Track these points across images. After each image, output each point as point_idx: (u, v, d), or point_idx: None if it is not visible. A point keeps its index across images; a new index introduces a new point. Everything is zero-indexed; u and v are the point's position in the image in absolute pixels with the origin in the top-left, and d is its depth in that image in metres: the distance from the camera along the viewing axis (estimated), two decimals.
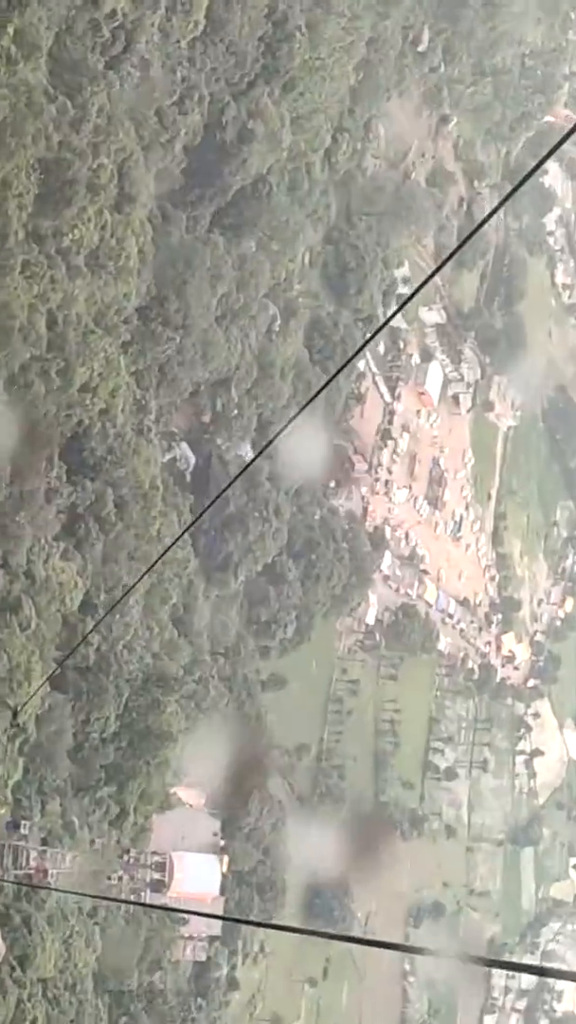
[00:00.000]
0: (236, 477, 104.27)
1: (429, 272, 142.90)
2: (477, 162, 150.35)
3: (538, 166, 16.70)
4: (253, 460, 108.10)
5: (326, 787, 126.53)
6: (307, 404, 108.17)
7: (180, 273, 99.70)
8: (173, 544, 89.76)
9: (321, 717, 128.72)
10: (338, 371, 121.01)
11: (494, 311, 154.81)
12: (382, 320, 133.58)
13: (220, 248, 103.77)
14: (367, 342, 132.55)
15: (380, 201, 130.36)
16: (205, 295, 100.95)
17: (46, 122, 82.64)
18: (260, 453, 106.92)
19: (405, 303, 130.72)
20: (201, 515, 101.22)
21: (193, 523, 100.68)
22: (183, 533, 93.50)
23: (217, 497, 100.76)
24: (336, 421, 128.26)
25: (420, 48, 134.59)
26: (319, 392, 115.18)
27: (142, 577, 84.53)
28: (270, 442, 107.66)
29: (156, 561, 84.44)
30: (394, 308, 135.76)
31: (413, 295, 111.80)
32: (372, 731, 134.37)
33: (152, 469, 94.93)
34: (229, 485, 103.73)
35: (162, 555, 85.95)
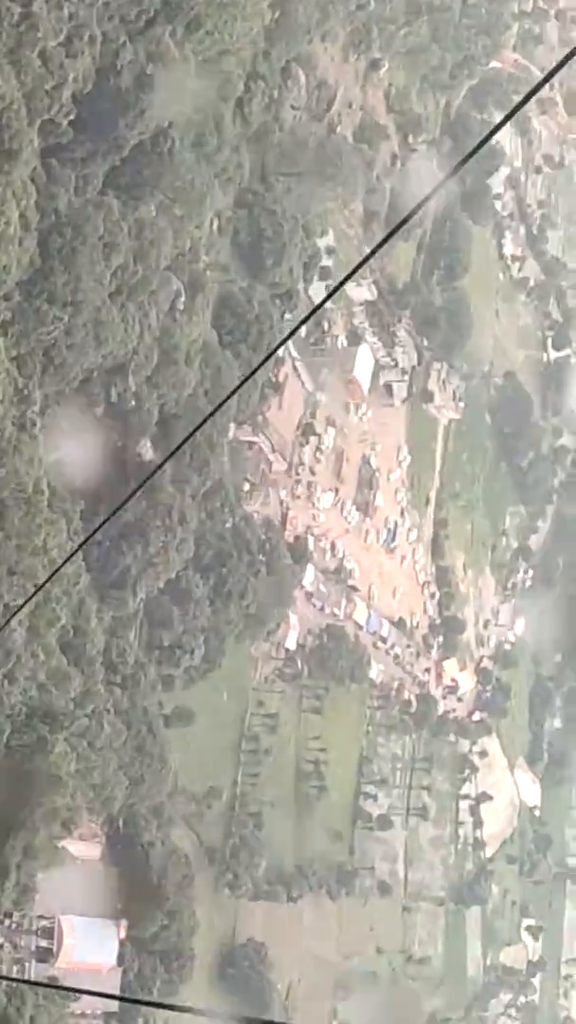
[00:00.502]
0: (138, 488, 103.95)
1: (356, 241, 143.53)
2: (412, 114, 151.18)
3: (490, 135, 16.37)
4: (159, 468, 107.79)
5: (240, 838, 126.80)
6: (220, 405, 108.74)
7: (68, 241, 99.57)
8: (66, 561, 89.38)
9: (234, 757, 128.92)
10: (257, 367, 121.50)
11: (433, 287, 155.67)
12: (303, 295, 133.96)
13: (115, 212, 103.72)
14: (294, 332, 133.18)
15: (300, 159, 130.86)
16: (97, 267, 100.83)
17: None
18: (167, 459, 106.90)
19: (337, 288, 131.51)
20: (99, 528, 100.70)
21: (89, 537, 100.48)
22: (77, 549, 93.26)
23: (117, 509, 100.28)
24: (251, 414, 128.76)
25: None
26: (235, 391, 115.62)
27: (30, 598, 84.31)
28: (178, 448, 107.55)
29: (47, 581, 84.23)
30: (316, 282, 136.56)
31: (345, 280, 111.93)
32: (293, 773, 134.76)
33: (36, 470, 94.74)
34: (131, 496, 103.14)
35: (53, 574, 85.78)
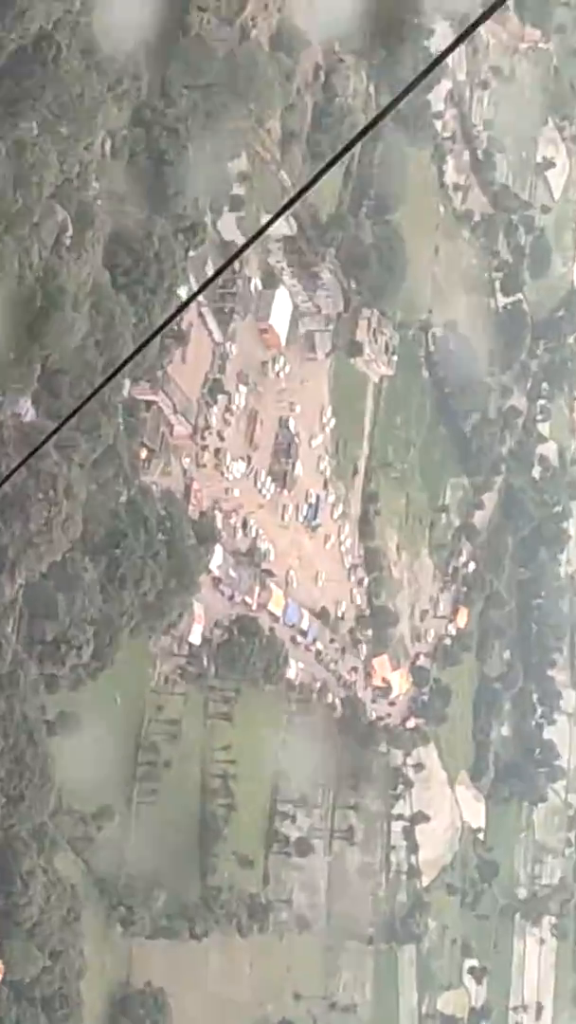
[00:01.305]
0: (24, 461, 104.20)
1: (274, 166, 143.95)
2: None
3: (439, 60, 15.42)
4: (50, 436, 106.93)
5: (136, 866, 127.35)
6: (126, 363, 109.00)
7: None
8: None
9: (129, 770, 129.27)
10: (170, 318, 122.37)
11: (362, 220, 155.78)
12: (211, 230, 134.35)
13: None
14: (203, 287, 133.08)
15: (208, 70, 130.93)
16: None
17: None
18: (59, 428, 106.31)
19: (255, 239, 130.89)
20: None
21: None
22: None
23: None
24: (148, 368, 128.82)
25: None
26: (142, 347, 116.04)
27: None
28: (70, 416, 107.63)
29: None
30: (226, 214, 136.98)
31: (263, 230, 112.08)
32: (198, 789, 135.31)
33: None
34: (15, 471, 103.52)
35: None
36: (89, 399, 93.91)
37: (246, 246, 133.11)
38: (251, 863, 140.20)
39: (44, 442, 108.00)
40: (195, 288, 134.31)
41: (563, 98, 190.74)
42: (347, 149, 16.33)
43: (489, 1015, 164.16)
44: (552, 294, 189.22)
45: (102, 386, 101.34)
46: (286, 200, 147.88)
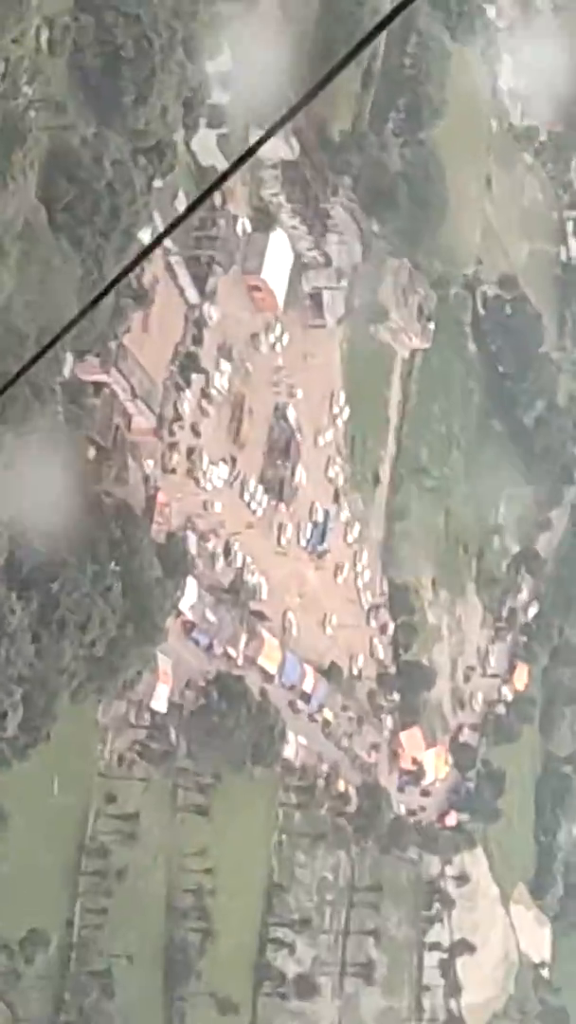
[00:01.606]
0: None
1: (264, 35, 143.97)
2: None
3: None
4: None
5: (79, 1012, 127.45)
6: (67, 330, 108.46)
7: None
8: None
9: (69, 882, 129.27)
10: (118, 277, 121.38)
11: (387, 139, 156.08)
12: (183, 151, 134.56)
13: None
14: (174, 226, 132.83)
15: None
16: None
17: None
18: None
19: (246, 157, 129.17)
20: None
21: None
22: None
23: None
24: (98, 338, 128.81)
25: None
26: (89, 308, 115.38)
27: None
28: (8, 385, 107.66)
29: None
30: (203, 130, 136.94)
31: (259, 144, 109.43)
32: (163, 907, 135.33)
33: None
34: None
35: None
36: (15, 379, 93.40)
37: (230, 171, 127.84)
38: (234, 1008, 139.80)
39: None
40: (161, 229, 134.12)
41: None
42: (367, 41, 15.96)
43: None
44: None
45: (33, 361, 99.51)
46: (285, 111, 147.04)
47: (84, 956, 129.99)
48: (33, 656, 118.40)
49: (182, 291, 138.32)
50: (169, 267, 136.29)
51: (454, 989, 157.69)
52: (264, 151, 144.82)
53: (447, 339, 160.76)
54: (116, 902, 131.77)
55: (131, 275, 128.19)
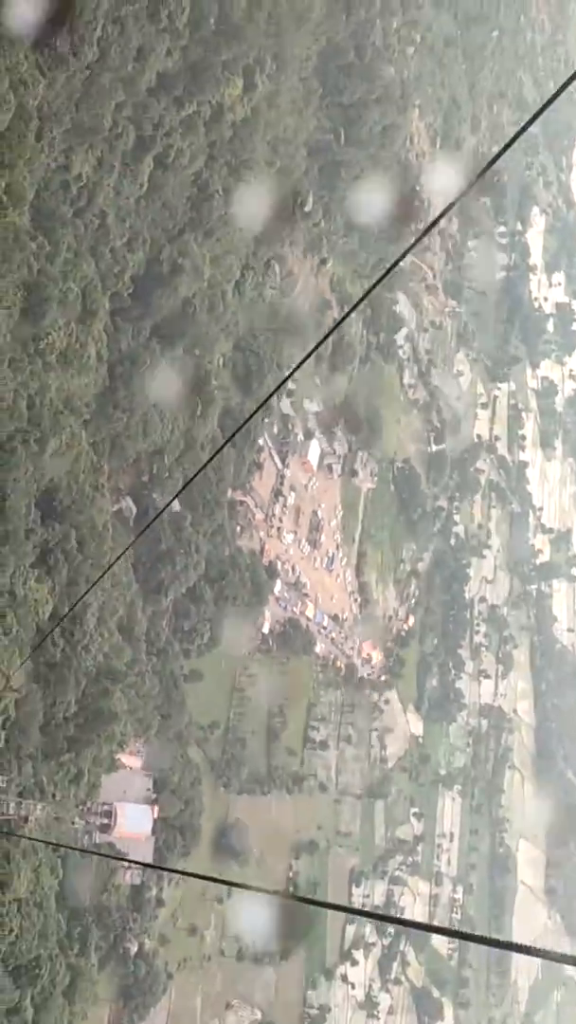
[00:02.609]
0: (156, 516, 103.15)
1: (310, 370, 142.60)
2: (347, 293, 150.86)
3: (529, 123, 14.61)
4: (168, 504, 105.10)
5: (231, 754, 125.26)
6: (207, 465, 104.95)
7: (127, 369, 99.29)
8: (112, 564, 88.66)
9: (228, 702, 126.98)
10: (234, 436, 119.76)
11: (359, 403, 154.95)
12: (276, 406, 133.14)
13: (156, 352, 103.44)
14: (310, 354, 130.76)
15: (275, 320, 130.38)
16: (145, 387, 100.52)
17: (28, 255, 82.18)
18: (173, 499, 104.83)
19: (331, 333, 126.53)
20: (133, 543, 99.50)
21: (127, 548, 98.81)
22: (120, 556, 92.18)
23: (143, 531, 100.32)
24: (242, 483, 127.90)
25: (306, 208, 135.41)
26: (215, 458, 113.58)
27: (90, 588, 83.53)
28: (185, 486, 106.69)
29: (100, 576, 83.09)
30: (286, 399, 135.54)
31: (321, 346, 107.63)
32: (265, 713, 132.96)
33: (104, 516, 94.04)
34: (152, 522, 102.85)
35: (104, 572, 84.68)
36: (187, 486, 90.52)
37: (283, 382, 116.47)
38: (294, 753, 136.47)
39: (159, 513, 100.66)
40: (267, 439, 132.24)
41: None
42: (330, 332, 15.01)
43: (424, 839, 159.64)
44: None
45: (200, 472, 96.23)
46: (317, 392, 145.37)
47: (233, 732, 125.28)
48: (214, 610, 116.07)
49: (275, 463, 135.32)
50: (270, 454, 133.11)
51: (383, 747, 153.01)
52: (309, 407, 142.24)
53: (382, 487, 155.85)
54: (247, 710, 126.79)
55: (253, 456, 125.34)
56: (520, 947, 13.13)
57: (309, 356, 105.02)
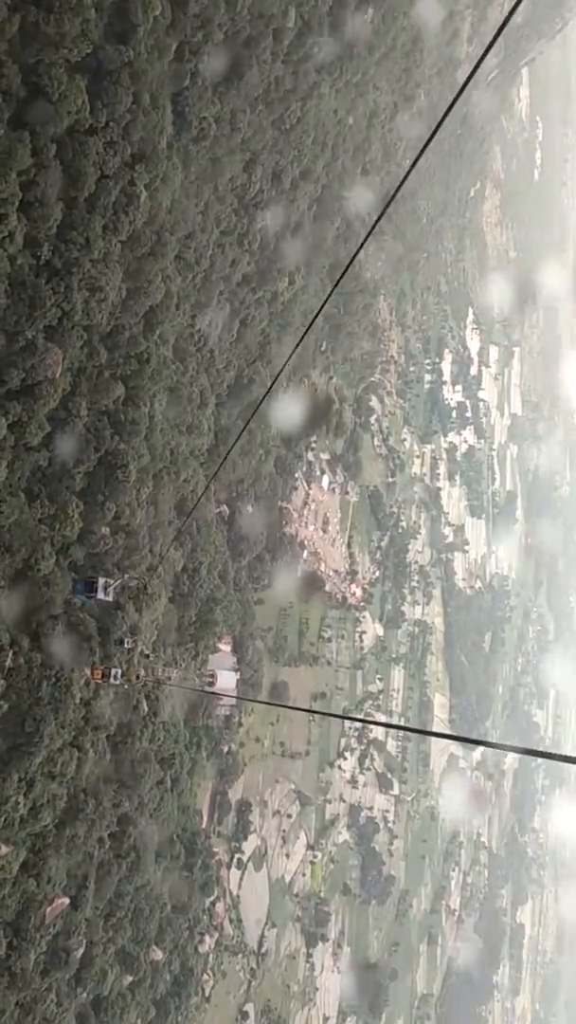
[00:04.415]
0: (204, 492, 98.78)
1: (323, 436, 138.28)
2: (343, 393, 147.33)
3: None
4: (213, 476, 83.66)
5: (278, 644, 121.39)
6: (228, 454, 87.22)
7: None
8: (191, 512, 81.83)
9: (277, 616, 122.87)
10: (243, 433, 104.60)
11: (349, 455, 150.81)
12: (304, 456, 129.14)
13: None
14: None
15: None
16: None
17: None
18: (214, 475, 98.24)
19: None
20: (193, 509, 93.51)
21: (216, 471, 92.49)
22: (204, 490, 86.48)
23: (201, 496, 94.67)
24: (286, 497, 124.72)
25: (322, 348, 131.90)
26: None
27: (187, 518, 65.62)
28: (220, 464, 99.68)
29: (193, 508, 62.69)
30: (310, 452, 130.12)
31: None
32: (298, 623, 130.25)
33: (211, 514, 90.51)
34: (204, 493, 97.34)
35: (193, 508, 63.02)
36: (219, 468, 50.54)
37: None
38: (314, 644, 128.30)
39: (207, 488, 66.35)
40: (302, 476, 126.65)
41: None
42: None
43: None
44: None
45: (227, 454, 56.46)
46: (328, 451, 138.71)
47: (278, 633, 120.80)
48: (270, 566, 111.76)
49: (305, 488, 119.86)
50: (303, 482, 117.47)
51: (362, 643, 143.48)
52: (323, 456, 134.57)
53: (362, 499, 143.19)
54: (287, 621, 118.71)
55: (292, 483, 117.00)
56: (529, 751, 10.87)
57: (296, 348, 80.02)
